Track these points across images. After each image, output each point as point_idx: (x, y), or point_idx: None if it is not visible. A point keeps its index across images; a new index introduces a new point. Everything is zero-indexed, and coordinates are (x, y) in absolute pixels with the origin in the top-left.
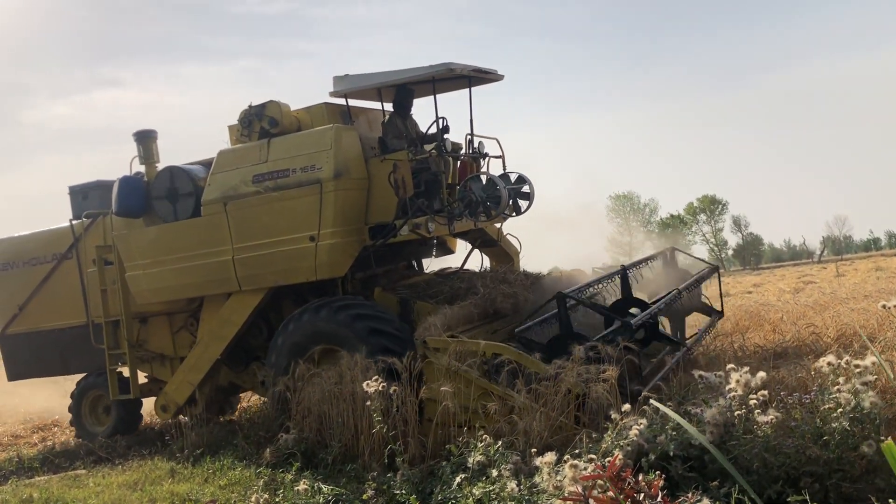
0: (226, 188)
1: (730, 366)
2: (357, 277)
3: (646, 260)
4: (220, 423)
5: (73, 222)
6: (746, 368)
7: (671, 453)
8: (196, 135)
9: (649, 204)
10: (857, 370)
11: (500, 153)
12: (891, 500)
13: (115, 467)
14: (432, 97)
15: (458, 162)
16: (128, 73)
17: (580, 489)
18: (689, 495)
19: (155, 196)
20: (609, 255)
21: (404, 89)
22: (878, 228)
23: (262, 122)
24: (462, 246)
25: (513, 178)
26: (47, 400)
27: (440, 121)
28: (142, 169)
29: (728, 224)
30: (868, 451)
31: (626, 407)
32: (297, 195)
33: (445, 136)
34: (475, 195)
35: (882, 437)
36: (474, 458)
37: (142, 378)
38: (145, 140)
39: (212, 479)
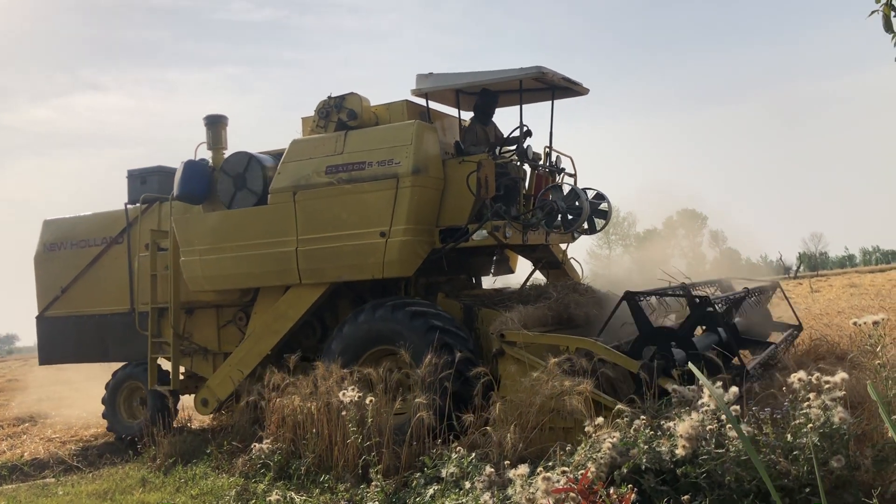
0: (297, 177)
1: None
2: (420, 282)
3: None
4: (194, 432)
5: (129, 206)
6: (720, 383)
7: (643, 466)
8: (176, 140)
9: (627, 217)
10: (827, 386)
11: (574, 171)
12: None
13: (85, 476)
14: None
15: (535, 173)
16: (109, 77)
17: (552, 502)
18: None
19: (221, 182)
20: (588, 266)
21: (487, 94)
22: (853, 245)
23: (340, 114)
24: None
25: (590, 194)
26: (18, 407)
27: (523, 127)
28: (207, 155)
29: (706, 238)
30: (837, 465)
31: (600, 420)
32: (372, 189)
33: (527, 143)
34: (556, 204)
35: (851, 453)
36: (448, 470)
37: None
38: (215, 126)
39: (183, 489)
